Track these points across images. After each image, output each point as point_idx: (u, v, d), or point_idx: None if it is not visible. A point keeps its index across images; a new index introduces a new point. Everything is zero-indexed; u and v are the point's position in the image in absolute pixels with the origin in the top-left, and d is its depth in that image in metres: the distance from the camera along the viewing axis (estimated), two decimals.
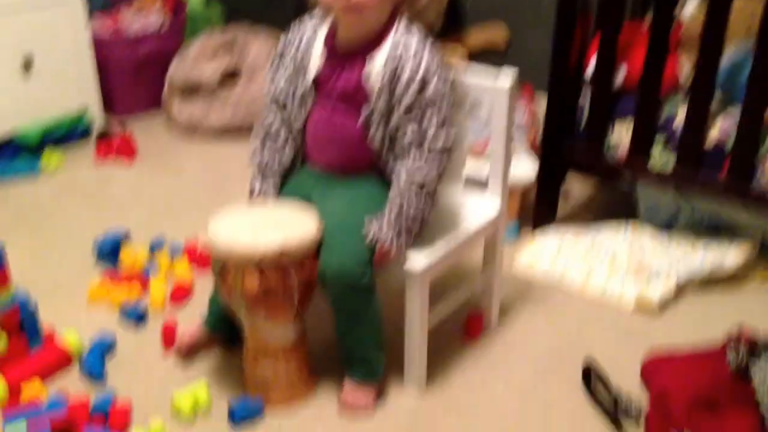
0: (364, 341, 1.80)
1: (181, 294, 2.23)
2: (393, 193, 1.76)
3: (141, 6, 3.63)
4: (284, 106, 1.88)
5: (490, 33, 3.28)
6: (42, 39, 3.01)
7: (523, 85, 2.81)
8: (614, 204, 2.76)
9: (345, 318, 1.78)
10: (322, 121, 1.83)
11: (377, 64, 1.73)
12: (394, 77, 1.72)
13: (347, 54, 1.77)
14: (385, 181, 1.83)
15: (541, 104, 2.69)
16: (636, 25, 2.53)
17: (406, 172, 1.74)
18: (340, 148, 1.82)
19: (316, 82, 1.81)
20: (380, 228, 1.73)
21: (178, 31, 3.59)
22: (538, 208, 2.57)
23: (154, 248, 2.43)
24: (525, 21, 3.24)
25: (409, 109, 1.72)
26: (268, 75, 1.90)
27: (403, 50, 1.71)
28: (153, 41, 3.43)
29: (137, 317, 2.13)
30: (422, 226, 1.80)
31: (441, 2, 1.79)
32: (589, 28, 2.39)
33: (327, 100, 1.81)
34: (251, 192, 1.90)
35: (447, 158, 1.77)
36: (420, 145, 1.74)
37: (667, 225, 2.45)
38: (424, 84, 1.71)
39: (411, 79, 1.70)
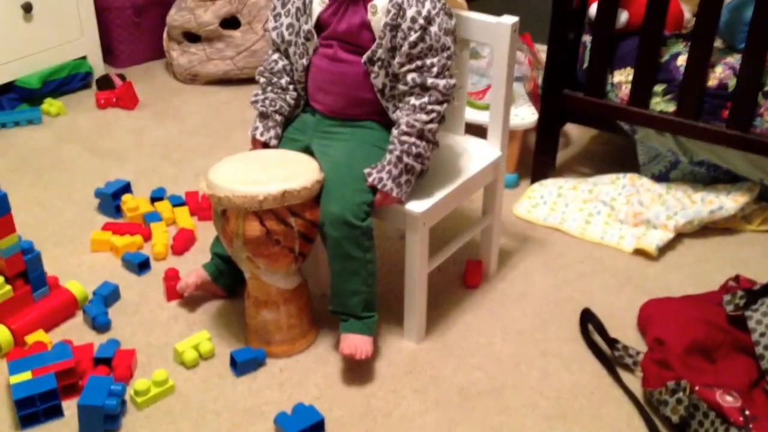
0: (359, 293, 1.80)
1: (182, 243, 2.24)
2: (393, 140, 1.76)
3: None
4: (286, 51, 1.88)
5: None
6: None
7: (523, 34, 2.79)
8: (614, 155, 2.75)
9: (341, 267, 1.78)
10: (324, 63, 1.83)
11: (380, 6, 1.73)
12: (396, 20, 1.71)
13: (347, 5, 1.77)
14: (385, 127, 1.84)
15: (541, 54, 2.67)
16: None
17: (406, 119, 1.74)
18: (343, 89, 1.82)
19: (319, 24, 1.81)
20: (380, 174, 1.74)
21: None
22: (537, 157, 2.57)
23: (155, 198, 2.44)
24: None
25: (410, 56, 1.72)
26: (269, 19, 1.89)
27: None
28: None
29: (139, 266, 2.15)
30: (422, 173, 1.81)
31: None
32: None
33: (330, 42, 1.81)
34: (253, 135, 1.90)
35: (446, 106, 1.78)
36: (420, 93, 1.74)
37: (666, 177, 2.45)
38: (425, 29, 1.71)
39: (413, 24, 1.70)
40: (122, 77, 3.22)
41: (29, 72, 3.02)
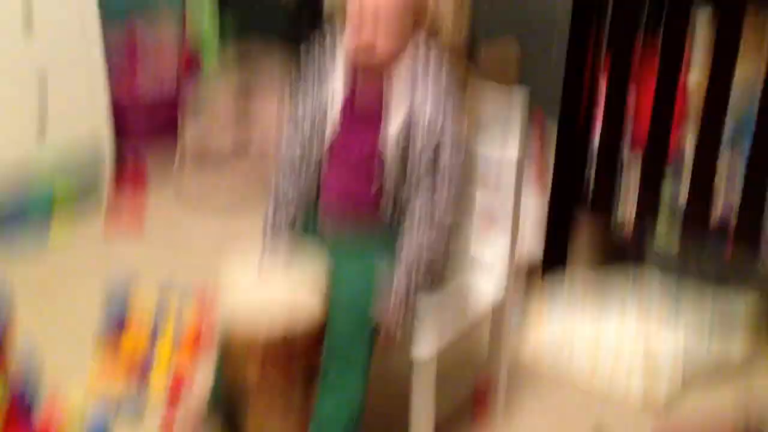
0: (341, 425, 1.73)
1: (179, 387, 2.20)
2: (400, 267, 1.74)
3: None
4: (303, 142, 1.89)
5: (501, 50, 3.24)
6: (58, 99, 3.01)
7: (534, 110, 2.75)
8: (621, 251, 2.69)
9: (329, 391, 1.73)
10: (342, 150, 1.84)
11: (392, 130, 1.75)
12: (408, 144, 1.74)
13: (367, 79, 1.80)
14: (395, 244, 1.81)
15: (551, 136, 2.63)
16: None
17: (415, 244, 1.74)
18: (356, 185, 1.82)
19: (332, 144, 1.84)
20: (386, 308, 1.72)
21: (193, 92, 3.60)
22: (546, 255, 2.53)
23: (156, 335, 2.41)
24: (536, 41, 3.18)
25: (420, 179, 1.74)
26: (291, 110, 1.92)
27: (420, 114, 1.73)
28: (167, 107, 3.44)
29: (135, 411, 2.11)
30: (435, 276, 1.79)
31: (462, 18, 1.82)
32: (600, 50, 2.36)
33: (343, 161, 1.83)
34: (265, 223, 1.90)
35: (455, 232, 1.78)
36: (430, 218, 1.74)
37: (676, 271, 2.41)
38: (437, 155, 1.73)
39: (424, 148, 1.72)
40: (134, 196, 3.23)
41: (40, 192, 3.01)
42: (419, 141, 1.72)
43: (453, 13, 1.82)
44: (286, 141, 1.93)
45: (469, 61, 3.13)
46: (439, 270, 1.77)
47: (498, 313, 1.99)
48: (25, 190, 3.02)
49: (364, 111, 1.81)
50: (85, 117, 3.13)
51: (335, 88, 1.83)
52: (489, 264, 2.03)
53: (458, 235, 1.81)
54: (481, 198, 2.55)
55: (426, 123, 1.73)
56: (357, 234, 1.84)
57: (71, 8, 3.01)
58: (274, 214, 1.89)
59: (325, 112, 1.84)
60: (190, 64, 3.66)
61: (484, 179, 1.85)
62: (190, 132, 3.33)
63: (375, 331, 1.74)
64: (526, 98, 1.85)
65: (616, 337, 2.36)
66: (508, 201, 1.90)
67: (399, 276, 1.74)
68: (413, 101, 1.74)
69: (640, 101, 2.30)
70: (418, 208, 1.75)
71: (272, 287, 1.79)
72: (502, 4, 3.24)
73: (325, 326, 1.73)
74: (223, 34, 3.95)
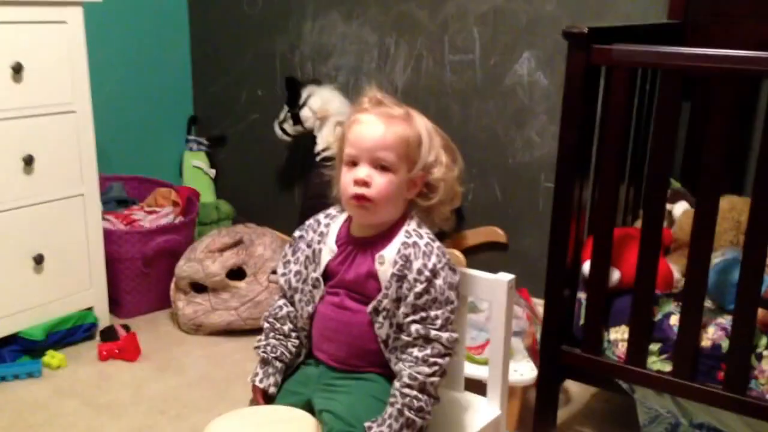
0: None
1: None
2: (395, 392, 1.74)
3: (153, 204, 3.77)
4: (292, 298, 1.90)
5: (486, 235, 3.41)
6: (54, 235, 3.09)
7: (520, 290, 2.87)
8: (615, 415, 2.72)
9: None
10: (330, 311, 1.84)
11: (388, 258, 1.77)
12: (403, 271, 1.75)
13: (359, 246, 1.82)
14: (387, 379, 1.82)
15: (539, 308, 2.72)
16: (628, 231, 2.59)
17: (408, 371, 1.73)
18: (347, 338, 1.83)
19: (327, 272, 1.85)
20: (381, 428, 1.71)
21: (190, 226, 3.70)
22: (538, 415, 2.53)
23: None
24: (521, 226, 3.37)
25: (414, 307, 1.74)
26: (279, 266, 1.94)
27: (412, 249, 1.76)
28: (164, 237, 3.51)
29: None
30: (422, 429, 1.76)
31: (453, 201, 1.87)
32: (582, 233, 2.46)
33: (336, 290, 1.83)
34: (252, 381, 1.87)
35: (448, 360, 1.77)
36: (423, 345, 1.74)
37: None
38: (431, 282, 1.74)
39: (419, 276, 1.73)
40: (126, 328, 3.26)
41: (34, 323, 3.06)
42: (413, 270, 1.74)
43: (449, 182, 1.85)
44: (272, 303, 1.96)
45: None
46: (436, 387, 1.76)
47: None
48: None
49: (355, 279, 1.83)
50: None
51: (325, 253, 1.86)
52: (482, 380, 2.04)
53: (451, 359, 1.78)
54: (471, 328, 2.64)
55: (421, 253, 1.75)
56: (351, 365, 1.85)
57: None
58: (261, 370, 1.88)
59: (314, 272, 1.86)
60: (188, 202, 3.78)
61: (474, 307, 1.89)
62: (185, 261, 3.38)
63: None
64: (513, 283, 1.91)
65: None
66: (500, 318, 1.92)
67: (392, 403, 1.73)
68: (407, 244, 1.78)
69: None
70: (411, 335, 1.74)
71: (263, 415, 1.79)
72: (489, 198, 3.46)
73: None
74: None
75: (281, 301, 1.93)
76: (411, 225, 1.82)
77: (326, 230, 1.88)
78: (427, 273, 1.74)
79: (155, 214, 3.65)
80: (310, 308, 1.87)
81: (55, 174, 3.06)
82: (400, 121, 1.79)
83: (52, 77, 2.99)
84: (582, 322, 2.44)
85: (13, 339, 3.04)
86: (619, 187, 2.44)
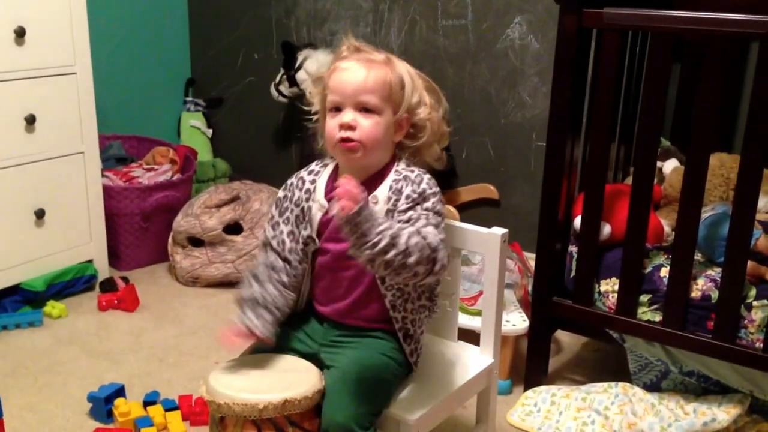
0: None
1: None
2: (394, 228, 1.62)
3: (151, 161, 3.80)
4: (286, 258, 1.87)
5: (479, 192, 3.46)
6: (55, 191, 3.14)
7: (513, 243, 2.92)
8: (605, 363, 2.79)
9: None
10: (327, 265, 1.85)
11: (381, 196, 1.77)
12: (396, 205, 1.75)
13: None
14: (393, 336, 1.85)
15: (531, 262, 2.77)
16: (619, 187, 2.64)
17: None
18: (348, 290, 1.84)
19: (320, 228, 1.84)
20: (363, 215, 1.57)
21: (187, 183, 3.73)
22: (529, 364, 2.60)
23: (148, 402, 2.44)
24: (513, 184, 3.41)
25: (407, 217, 1.72)
26: (266, 230, 1.92)
27: (403, 181, 1.77)
28: (162, 193, 3.55)
29: None
30: (387, 268, 1.60)
31: (441, 141, 1.87)
32: (574, 190, 2.51)
33: (333, 240, 1.81)
34: (248, 327, 1.80)
35: (436, 260, 1.66)
36: (420, 236, 1.64)
37: (657, 386, 2.47)
38: (422, 199, 1.74)
39: (406, 201, 1.75)
40: (125, 280, 3.31)
41: (35, 275, 3.11)
42: (405, 192, 1.75)
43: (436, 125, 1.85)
44: (258, 257, 1.93)
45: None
46: (413, 267, 1.61)
47: (485, 380, 2.03)
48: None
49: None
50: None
51: (316, 206, 1.84)
52: (475, 330, 2.08)
53: (437, 270, 1.68)
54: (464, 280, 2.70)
55: (412, 179, 1.77)
56: (356, 318, 1.86)
57: None
58: (260, 318, 1.82)
59: (307, 228, 1.85)
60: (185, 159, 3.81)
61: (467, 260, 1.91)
62: (182, 216, 3.42)
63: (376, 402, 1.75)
64: (506, 236, 1.95)
65: (601, 409, 2.41)
66: (493, 271, 1.97)
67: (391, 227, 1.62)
68: (398, 179, 1.78)
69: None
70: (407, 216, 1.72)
71: (267, 364, 1.81)
72: (482, 156, 3.50)
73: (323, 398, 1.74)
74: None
75: (273, 256, 1.88)
76: (400, 165, 1.83)
77: (312, 186, 1.87)
78: (415, 196, 1.75)
79: (153, 172, 3.68)
80: (305, 266, 1.88)
81: (56, 133, 3.12)
82: (381, 65, 1.81)
83: (53, 40, 3.05)
84: (573, 274, 2.50)
85: (15, 290, 3.09)
86: (610, 145, 2.48)
